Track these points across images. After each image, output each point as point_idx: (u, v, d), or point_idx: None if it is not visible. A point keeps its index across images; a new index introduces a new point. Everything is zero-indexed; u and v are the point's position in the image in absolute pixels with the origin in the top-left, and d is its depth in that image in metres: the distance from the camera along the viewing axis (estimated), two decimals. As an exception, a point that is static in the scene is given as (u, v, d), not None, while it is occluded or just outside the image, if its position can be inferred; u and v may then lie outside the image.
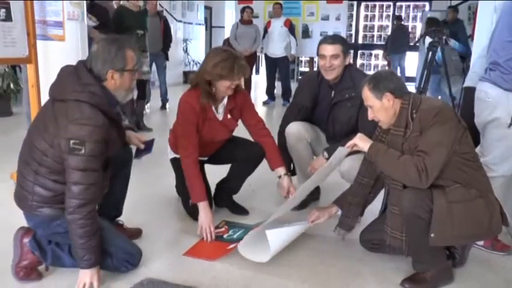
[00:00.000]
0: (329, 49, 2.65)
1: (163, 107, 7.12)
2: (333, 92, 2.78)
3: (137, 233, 2.56)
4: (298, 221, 2.52)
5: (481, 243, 2.46)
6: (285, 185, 2.66)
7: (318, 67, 2.82)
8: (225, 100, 2.66)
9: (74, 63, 2.00)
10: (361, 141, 2.15)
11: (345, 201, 2.42)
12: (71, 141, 1.80)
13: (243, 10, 7.82)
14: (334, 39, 2.72)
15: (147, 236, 2.59)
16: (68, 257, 2.06)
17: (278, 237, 2.29)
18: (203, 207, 2.53)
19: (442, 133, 1.95)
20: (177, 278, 2.15)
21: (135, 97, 5.41)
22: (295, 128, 2.85)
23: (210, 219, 2.53)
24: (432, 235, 1.92)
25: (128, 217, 2.79)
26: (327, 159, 2.68)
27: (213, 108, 2.64)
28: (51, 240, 2.07)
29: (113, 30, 5.22)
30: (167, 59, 6.87)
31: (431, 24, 5.86)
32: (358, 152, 2.26)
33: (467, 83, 3.13)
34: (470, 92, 3.00)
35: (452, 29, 6.74)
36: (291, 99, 7.99)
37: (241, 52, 7.56)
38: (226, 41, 8.03)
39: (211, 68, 2.47)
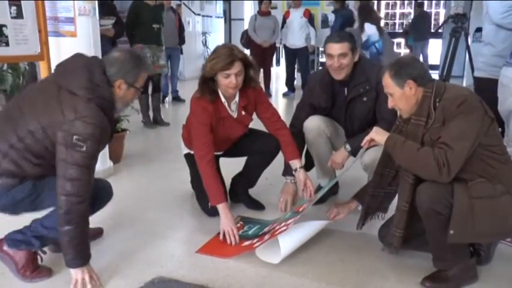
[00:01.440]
0: (336, 48, 2.54)
1: (176, 98, 7.24)
2: (346, 89, 2.68)
3: (98, 233, 2.50)
4: (317, 219, 2.44)
5: (509, 238, 2.33)
6: (302, 178, 2.58)
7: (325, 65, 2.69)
8: (237, 97, 2.59)
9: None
10: (377, 135, 2.05)
11: (366, 194, 2.32)
12: (74, 137, 1.81)
13: (261, 1, 7.71)
14: (341, 37, 2.59)
15: (160, 233, 2.55)
16: (48, 230, 2.02)
17: (291, 242, 2.24)
18: (223, 208, 2.44)
19: (467, 124, 1.82)
20: (190, 276, 2.10)
21: (150, 92, 5.40)
22: (315, 123, 2.75)
23: (231, 221, 2.42)
24: (451, 232, 1.80)
25: (140, 213, 2.79)
26: (349, 152, 2.61)
27: (226, 105, 2.57)
28: (16, 211, 2.02)
29: (128, 24, 5.23)
30: (182, 53, 6.89)
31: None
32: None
33: (477, 73, 3.01)
34: (481, 82, 2.89)
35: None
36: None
37: (261, 43, 7.62)
38: (245, 33, 7.92)
39: (209, 65, 2.42)
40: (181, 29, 6.74)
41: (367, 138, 2.09)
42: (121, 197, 3.05)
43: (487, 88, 2.68)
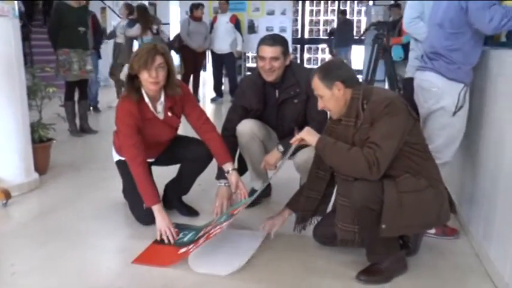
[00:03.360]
0: (268, 51, 2.59)
1: (95, 109, 6.79)
2: (277, 91, 2.73)
3: None
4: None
5: (433, 231, 2.50)
6: (233, 181, 2.58)
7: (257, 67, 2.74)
8: (163, 98, 2.56)
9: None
10: (308, 135, 2.10)
11: (301, 198, 2.37)
12: None
13: (196, 7, 7.62)
14: (274, 40, 2.62)
15: (93, 245, 2.46)
16: None
17: (243, 255, 2.27)
18: (158, 210, 2.44)
19: (393, 125, 1.94)
20: (127, 286, 2.05)
21: (76, 99, 5.19)
22: (248, 127, 2.77)
23: (167, 220, 2.45)
24: (383, 226, 1.91)
25: (70, 226, 2.68)
26: (282, 152, 2.64)
27: (151, 107, 2.54)
28: None
29: (51, 28, 4.99)
30: (100, 57, 6.60)
31: None
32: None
33: (408, 74, 3.20)
34: (407, 82, 3.13)
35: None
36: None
37: (195, 48, 7.57)
38: (177, 37, 7.82)
39: (131, 60, 2.42)
40: (95, 31, 6.19)
41: (297, 136, 2.14)
42: (49, 209, 2.94)
43: (412, 87, 2.88)
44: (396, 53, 7.53)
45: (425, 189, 1.97)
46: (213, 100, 8.12)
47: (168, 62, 2.46)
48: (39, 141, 3.62)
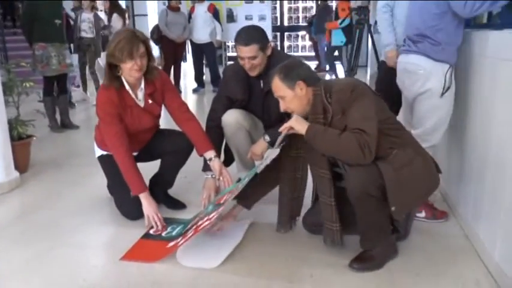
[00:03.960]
0: (244, 51, 2.52)
1: (70, 104, 6.47)
2: (262, 81, 2.68)
3: None
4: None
5: (423, 215, 2.51)
6: (217, 167, 2.54)
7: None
8: (143, 85, 2.52)
9: None
10: (297, 124, 2.05)
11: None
12: None
13: None
14: (248, 39, 2.50)
15: (79, 243, 2.40)
16: None
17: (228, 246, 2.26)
18: (145, 197, 2.45)
19: (365, 107, 1.93)
20: (115, 285, 2.00)
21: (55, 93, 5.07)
22: (234, 117, 2.72)
23: (154, 206, 2.47)
24: (393, 208, 1.91)
25: (55, 224, 2.62)
26: (269, 142, 2.61)
27: (132, 94, 2.50)
28: None
29: (25, 21, 4.84)
30: (71, 51, 6.40)
31: None
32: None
33: (383, 57, 3.23)
34: (385, 64, 3.17)
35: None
36: (221, 85, 7.94)
37: (174, 38, 7.47)
38: (156, 29, 7.70)
39: (112, 49, 2.35)
40: (68, 27, 6.10)
41: (286, 125, 2.09)
42: (32, 208, 2.87)
43: (390, 68, 2.99)
44: (337, 38, 7.61)
45: (415, 159, 1.99)
46: (194, 91, 8.04)
47: (148, 49, 2.43)
48: (18, 138, 3.53)
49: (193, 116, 2.67)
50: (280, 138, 2.21)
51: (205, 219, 2.28)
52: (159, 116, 2.68)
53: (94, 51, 6.57)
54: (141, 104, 2.55)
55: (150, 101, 2.56)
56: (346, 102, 1.94)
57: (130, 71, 2.37)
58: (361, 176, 1.91)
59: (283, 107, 2.10)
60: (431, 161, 2.10)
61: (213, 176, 2.62)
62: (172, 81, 5.28)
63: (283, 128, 2.10)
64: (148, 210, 2.44)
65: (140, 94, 2.54)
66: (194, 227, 2.30)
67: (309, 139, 2.01)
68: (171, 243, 2.29)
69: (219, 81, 7.94)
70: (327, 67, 9.30)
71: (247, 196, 2.45)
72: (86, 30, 6.51)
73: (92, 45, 6.54)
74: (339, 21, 7.69)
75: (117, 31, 2.49)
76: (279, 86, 2.06)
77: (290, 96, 2.05)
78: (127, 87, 2.48)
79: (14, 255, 2.28)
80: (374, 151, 1.88)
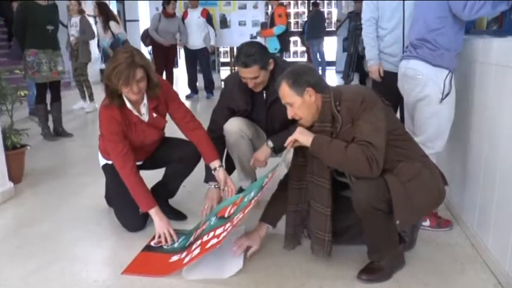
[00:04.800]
0: (245, 72, 2.47)
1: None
2: (265, 93, 2.63)
3: None
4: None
5: (427, 223, 2.49)
6: (222, 177, 2.51)
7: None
8: (145, 100, 2.46)
9: None
10: (302, 136, 2.00)
11: (275, 214, 2.28)
12: None
13: (168, 2, 7.45)
14: (247, 61, 2.43)
15: (79, 257, 2.34)
16: None
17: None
18: (155, 212, 2.41)
19: (375, 117, 1.89)
20: (118, 301, 1.95)
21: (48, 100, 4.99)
22: (236, 125, 2.68)
23: (166, 222, 2.43)
24: (398, 222, 1.88)
25: (52, 237, 2.56)
26: (272, 148, 2.58)
27: (134, 111, 2.44)
28: None
29: (17, 27, 4.76)
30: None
31: None
32: None
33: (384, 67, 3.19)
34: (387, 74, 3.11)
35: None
36: (214, 92, 7.89)
37: (162, 43, 7.42)
38: (146, 32, 7.63)
39: (109, 73, 2.24)
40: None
41: (291, 138, 2.04)
42: (28, 221, 2.80)
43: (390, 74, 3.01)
44: (271, 45, 7.50)
45: (422, 172, 1.95)
46: (188, 97, 7.98)
47: (147, 71, 2.32)
48: (12, 147, 3.45)
49: (199, 124, 2.62)
50: (285, 153, 2.17)
51: (211, 236, 2.20)
52: (164, 127, 2.63)
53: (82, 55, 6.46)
54: (146, 118, 2.49)
55: (154, 115, 2.51)
56: (356, 113, 1.90)
57: (127, 93, 2.32)
58: (369, 190, 1.88)
59: (291, 113, 2.05)
60: (439, 173, 2.06)
61: (217, 186, 2.58)
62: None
63: (288, 142, 2.05)
64: (161, 227, 2.40)
65: (144, 109, 2.47)
66: (199, 242, 2.23)
67: (314, 151, 1.96)
68: (174, 257, 2.24)
69: (212, 87, 7.97)
70: (319, 71, 9.28)
71: (272, 214, 2.31)
72: (74, 35, 6.43)
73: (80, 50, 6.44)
74: (274, 28, 7.49)
75: (116, 50, 2.38)
76: (287, 93, 2.00)
77: (298, 103, 1.99)
78: (128, 105, 2.41)
79: (11, 271, 2.20)
80: (381, 165, 1.85)
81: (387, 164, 1.91)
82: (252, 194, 2.26)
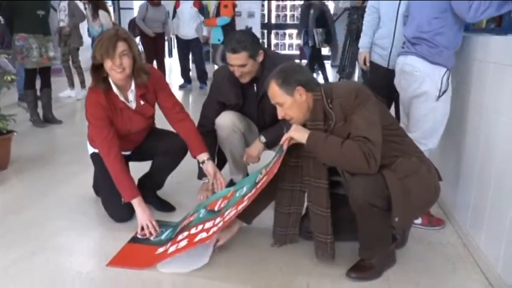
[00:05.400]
0: (233, 58, 2.41)
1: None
2: (255, 85, 2.58)
3: None
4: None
5: (419, 221, 2.46)
6: (211, 171, 2.47)
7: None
8: (133, 86, 2.41)
9: None
10: (297, 133, 1.94)
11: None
12: None
13: None
14: (237, 47, 2.39)
15: (63, 247, 2.29)
16: None
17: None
18: (138, 203, 2.37)
19: (369, 113, 1.84)
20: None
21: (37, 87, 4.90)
22: (228, 119, 2.62)
23: (148, 213, 2.39)
24: (396, 219, 1.83)
25: (37, 226, 2.50)
26: (264, 143, 2.55)
27: (121, 97, 2.39)
28: None
29: (5, 10, 4.65)
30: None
31: None
32: None
33: (373, 57, 3.20)
34: (373, 65, 3.18)
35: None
36: (207, 82, 7.81)
37: (148, 33, 7.35)
38: (132, 22, 7.54)
39: (94, 49, 2.25)
40: None
41: (286, 136, 1.99)
42: (13, 209, 2.74)
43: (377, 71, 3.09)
44: (215, 35, 7.45)
45: (420, 167, 1.91)
46: (181, 87, 7.90)
47: (131, 47, 2.29)
48: (-5, 134, 3.37)
49: (187, 116, 2.57)
50: (279, 148, 2.10)
51: (200, 229, 2.15)
52: (152, 116, 2.58)
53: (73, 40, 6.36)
54: (133, 105, 2.45)
55: (142, 102, 2.46)
56: (349, 109, 1.85)
57: (110, 70, 2.26)
58: (366, 186, 1.83)
59: (281, 114, 1.99)
60: (434, 168, 2.03)
61: (208, 180, 2.53)
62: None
63: (283, 141, 2.00)
64: (143, 219, 2.35)
65: (131, 96, 2.43)
66: (186, 233, 2.19)
67: (310, 148, 1.91)
68: (160, 249, 2.19)
69: (205, 77, 7.88)
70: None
71: (247, 211, 2.23)
72: (64, 20, 6.31)
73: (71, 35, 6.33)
74: (218, 19, 7.44)
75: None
76: (276, 93, 1.95)
77: (289, 103, 1.94)
78: (115, 89, 2.37)
79: (-7, 260, 2.15)
80: (379, 160, 1.80)
81: (384, 160, 1.87)
82: (245, 189, 2.21)
